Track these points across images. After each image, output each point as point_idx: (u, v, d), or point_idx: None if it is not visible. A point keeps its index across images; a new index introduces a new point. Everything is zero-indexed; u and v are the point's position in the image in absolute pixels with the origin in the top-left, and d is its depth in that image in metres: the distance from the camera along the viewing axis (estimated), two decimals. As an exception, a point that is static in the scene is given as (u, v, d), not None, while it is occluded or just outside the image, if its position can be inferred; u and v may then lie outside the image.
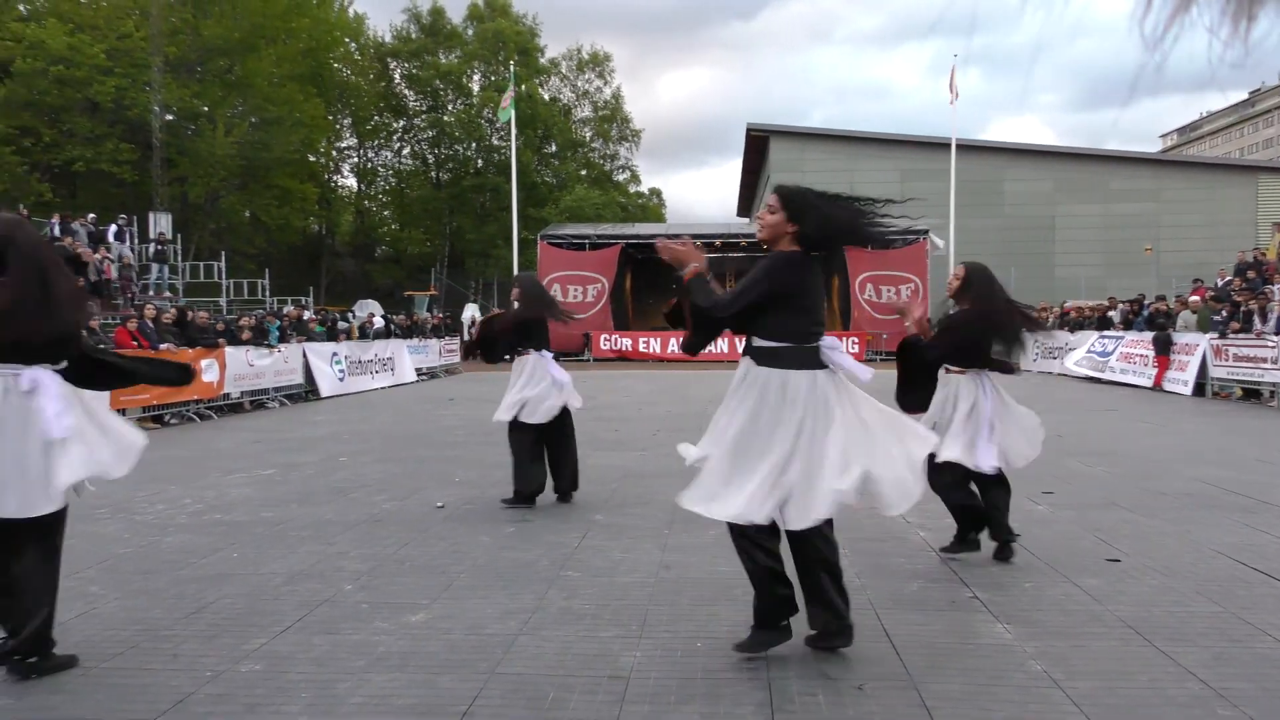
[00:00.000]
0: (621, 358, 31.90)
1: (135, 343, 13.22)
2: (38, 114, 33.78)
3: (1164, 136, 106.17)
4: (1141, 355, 18.37)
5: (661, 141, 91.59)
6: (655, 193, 61.20)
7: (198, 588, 4.87)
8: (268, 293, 29.68)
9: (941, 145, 38.06)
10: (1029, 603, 4.46)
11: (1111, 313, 21.85)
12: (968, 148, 38.74)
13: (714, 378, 22.02)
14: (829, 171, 42.79)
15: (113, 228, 25.64)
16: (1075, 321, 23.51)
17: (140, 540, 5.99)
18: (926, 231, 32.98)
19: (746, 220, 52.64)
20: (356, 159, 54.05)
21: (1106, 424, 12.23)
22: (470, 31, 51.77)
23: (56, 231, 23.20)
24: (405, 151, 54.58)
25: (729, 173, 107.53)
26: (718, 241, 34.59)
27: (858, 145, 43.69)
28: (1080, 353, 21.14)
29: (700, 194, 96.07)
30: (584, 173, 55.18)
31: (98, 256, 22.50)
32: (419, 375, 23.58)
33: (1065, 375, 21.77)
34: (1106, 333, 20.70)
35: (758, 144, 46.66)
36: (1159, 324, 18.10)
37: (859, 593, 4.65)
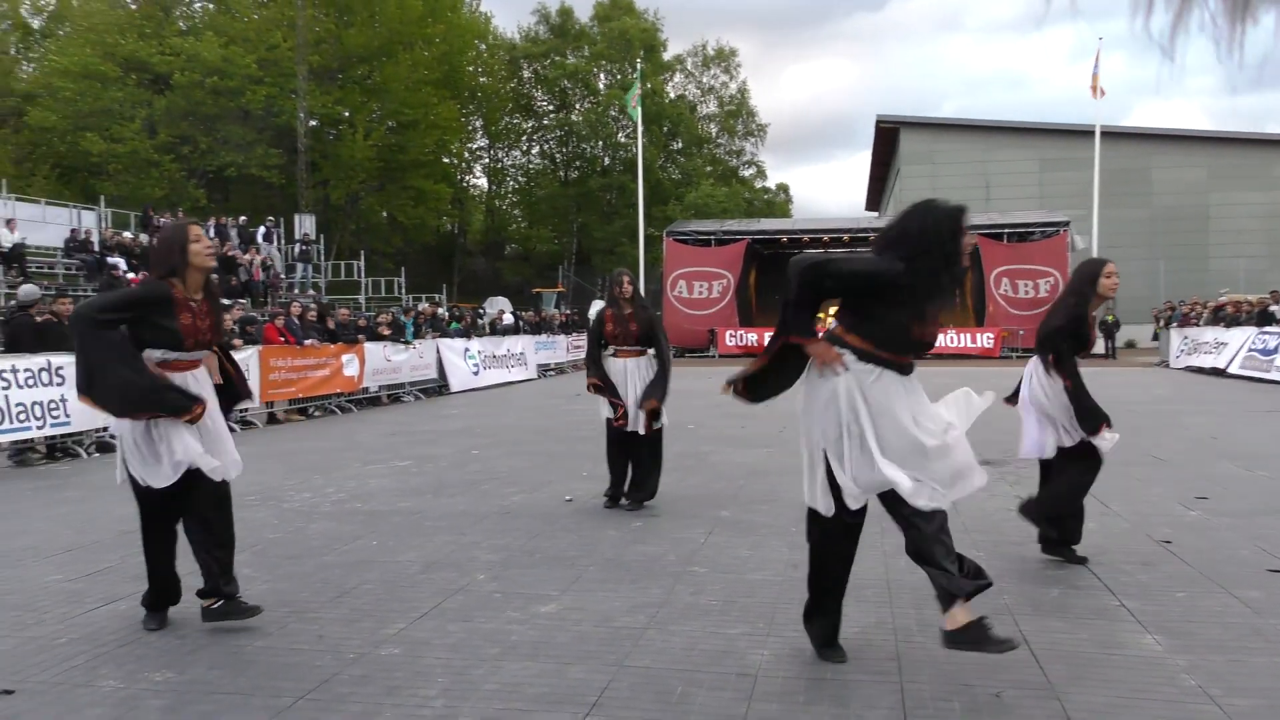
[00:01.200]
0: (747, 353, 31.70)
1: (282, 338, 13.88)
2: (195, 123, 35.84)
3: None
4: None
5: (788, 136, 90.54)
6: (782, 188, 60.58)
7: (340, 573, 5.08)
8: (403, 290, 30.75)
9: (1084, 133, 36.37)
10: (1181, 614, 4.23)
11: (1273, 307, 20.47)
12: (1112, 135, 36.88)
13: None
14: (962, 163, 41.51)
15: (261, 229, 27.05)
16: (1231, 317, 22.12)
17: (288, 526, 6.29)
18: (1067, 223, 31.62)
19: (875, 215, 51.64)
20: (487, 159, 55.37)
21: (1267, 427, 11.47)
22: (597, 30, 52.33)
23: (211, 234, 24.57)
24: (534, 151, 55.59)
25: (856, 166, 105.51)
26: (845, 237, 33.99)
27: (993, 135, 42.14)
28: (1237, 352, 19.85)
29: (827, 188, 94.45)
30: (709, 169, 55.06)
31: (248, 257, 23.75)
32: (547, 371, 24.01)
33: (1216, 372, 20.51)
34: (1268, 329, 19.39)
35: (887, 136, 45.64)
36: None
37: (996, 596, 4.50)
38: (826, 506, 3.55)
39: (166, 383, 3.95)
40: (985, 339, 29.86)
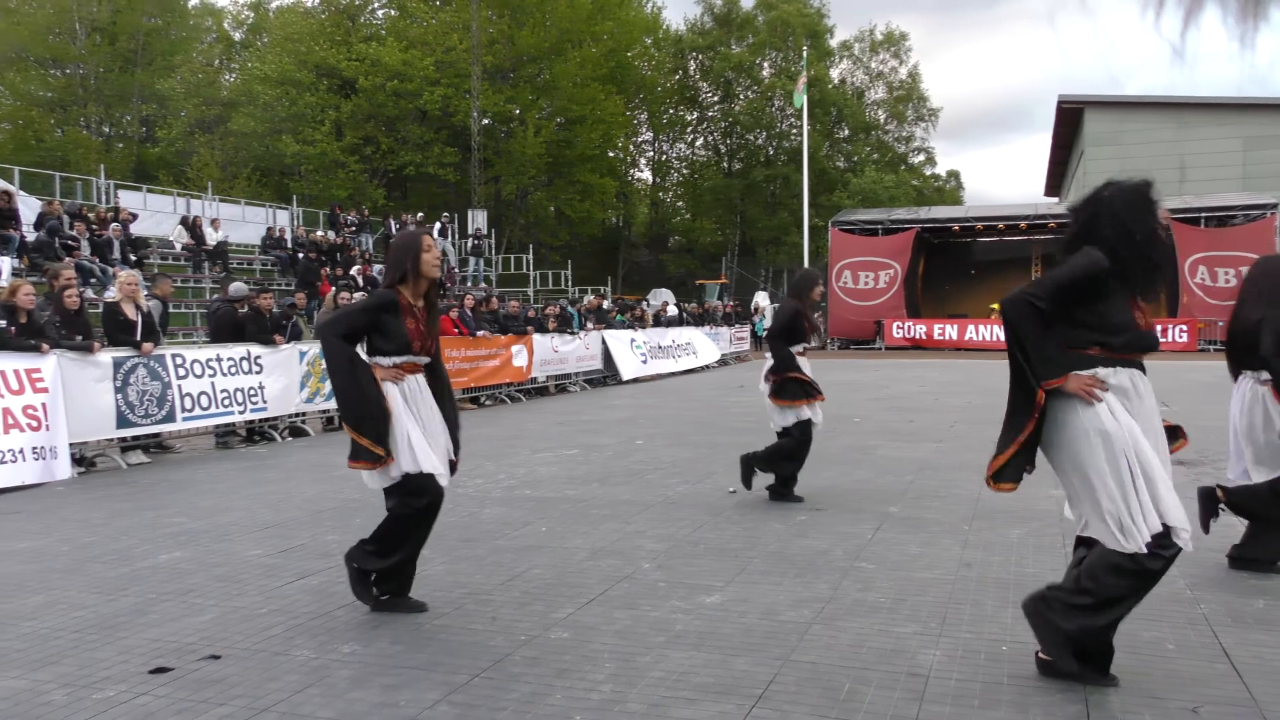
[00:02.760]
0: (916, 346, 30.85)
1: (456, 330, 14.45)
2: (377, 124, 37.79)
3: None
4: None
5: (960, 120, 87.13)
6: (953, 175, 58.44)
7: (512, 557, 5.25)
8: (570, 283, 31.47)
9: (1295, 106, 33.43)
10: None
11: None
12: (1330, 107, 33.72)
13: (1005, 370, 20.73)
14: (1154, 144, 38.84)
15: (437, 225, 28.22)
16: None
17: (462, 511, 6.54)
18: (1275, 206, 29.15)
19: (1055, 200, 49.06)
20: (652, 152, 55.88)
21: None
22: (761, 19, 51.87)
23: (393, 230, 25.84)
24: (698, 143, 55.70)
25: (1033, 150, 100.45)
26: (1023, 224, 32.50)
27: (1189, 112, 39.18)
28: None
29: (1002, 174, 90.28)
30: (875, 157, 53.71)
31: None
32: (710, 362, 24.05)
33: None
34: None
35: (1070, 117, 43.23)
36: None
37: (1192, 606, 4.21)
38: (1141, 542, 3.13)
39: (375, 412, 4.09)
40: (1179, 332, 27.92)
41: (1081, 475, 3.21)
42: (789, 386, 6.57)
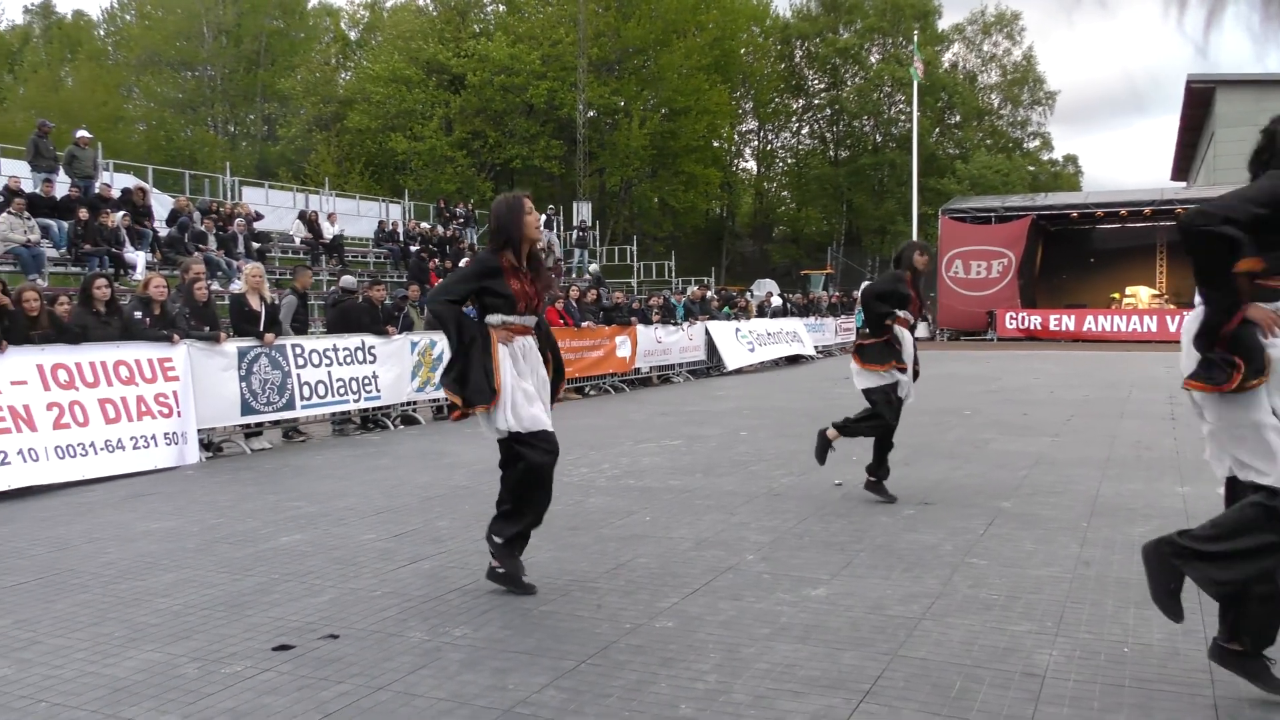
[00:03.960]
0: (1030, 337, 29.86)
1: (562, 320, 14.64)
2: (485, 119, 38.50)
3: None
4: None
5: (1078, 104, 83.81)
6: (1070, 159, 56.28)
7: (617, 546, 5.30)
8: (673, 273, 31.50)
9: None
10: None
11: None
12: None
13: (1137, 359, 19.88)
14: (1293, 123, 36.57)
15: (543, 217, 28.57)
16: None
17: (568, 499, 6.62)
18: None
19: (1183, 185, 46.84)
20: (756, 142, 55.45)
21: None
22: (869, 3, 50.88)
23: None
24: (804, 131, 55.04)
25: (1159, 133, 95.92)
26: (1147, 210, 31.09)
27: (1332, 89, 36.84)
28: None
29: (1123, 159, 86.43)
30: (989, 142, 52.13)
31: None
32: (816, 353, 23.78)
33: None
34: None
35: (1200, 98, 41.07)
36: None
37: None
38: None
39: (477, 378, 4.25)
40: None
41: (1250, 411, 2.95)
42: (874, 350, 6.26)
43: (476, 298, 4.37)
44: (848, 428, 6.37)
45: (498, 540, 4.46)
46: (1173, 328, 28.17)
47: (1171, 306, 30.36)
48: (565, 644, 3.74)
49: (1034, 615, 3.99)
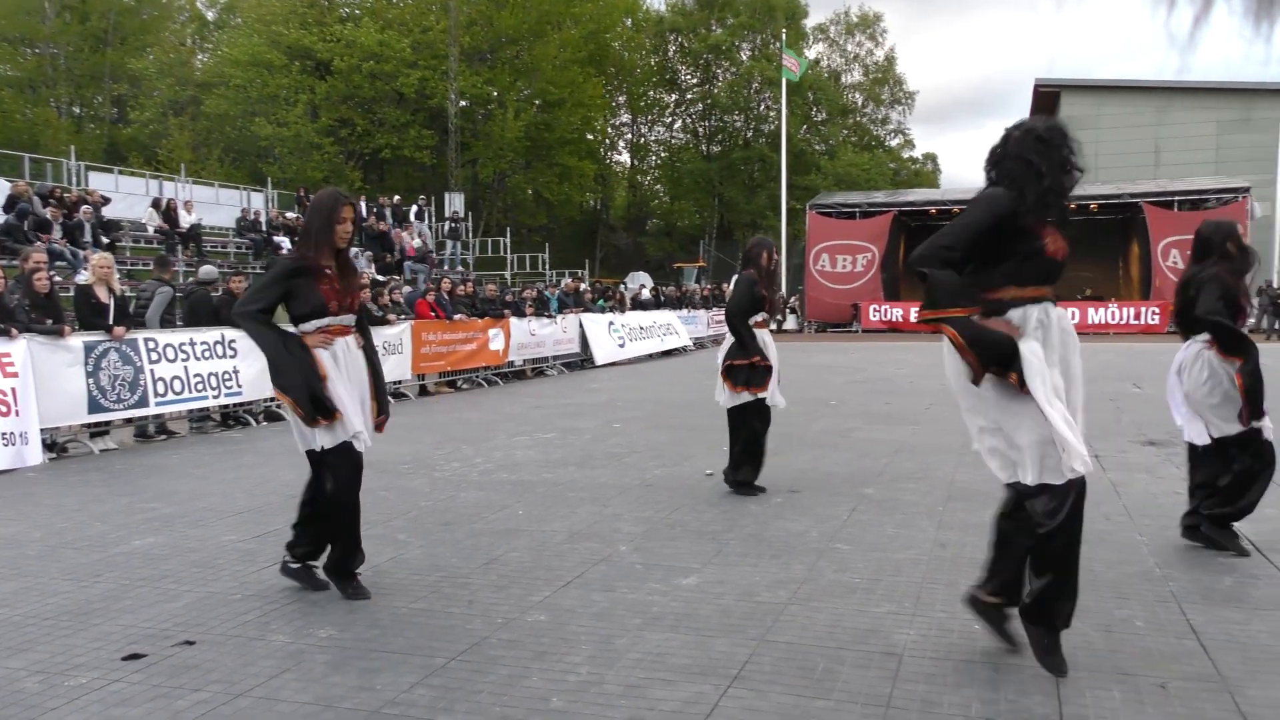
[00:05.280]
0: (893, 329, 30.96)
1: (433, 313, 14.39)
2: (353, 106, 37.41)
3: None
4: None
5: (936, 104, 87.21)
6: (930, 157, 58.59)
7: (489, 541, 5.25)
8: (548, 266, 31.37)
9: (1268, 92, 33.74)
10: (1374, 609, 3.90)
11: None
12: (1300, 92, 34.05)
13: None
14: (1130, 128, 39.11)
15: (414, 208, 28.04)
16: None
17: (440, 494, 6.53)
18: (1247, 189, 29.44)
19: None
20: (630, 135, 55.70)
21: None
22: (741, 1, 51.71)
23: (364, 213, 25.66)
24: (677, 125, 55.59)
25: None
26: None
27: (1165, 96, 39.47)
28: None
29: (978, 157, 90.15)
30: (854, 140, 53.80)
31: (406, 235, 24.71)
32: (691, 345, 24.07)
33: None
34: None
35: (1046, 101, 43.38)
36: None
37: (1159, 583, 4.27)
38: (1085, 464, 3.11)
39: (310, 383, 4.10)
40: (1151, 314, 28.23)
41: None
42: (743, 371, 6.32)
43: (286, 303, 4.21)
44: (735, 464, 6.46)
45: (289, 558, 4.42)
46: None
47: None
48: (436, 641, 3.69)
49: (894, 597, 4.15)
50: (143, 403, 9.28)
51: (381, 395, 4.42)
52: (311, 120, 36.53)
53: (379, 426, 4.41)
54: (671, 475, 7.16)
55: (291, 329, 4.23)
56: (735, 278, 6.52)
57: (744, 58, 52.36)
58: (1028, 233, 3.18)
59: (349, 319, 4.29)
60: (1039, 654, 3.27)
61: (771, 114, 49.69)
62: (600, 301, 21.67)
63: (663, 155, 55.87)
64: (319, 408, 4.08)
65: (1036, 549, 3.22)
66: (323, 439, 4.15)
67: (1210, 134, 38.22)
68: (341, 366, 4.21)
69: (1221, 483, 4.74)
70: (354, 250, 21.85)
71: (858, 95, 55.83)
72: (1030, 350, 3.13)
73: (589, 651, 3.56)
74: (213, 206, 23.52)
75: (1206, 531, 4.81)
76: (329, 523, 4.28)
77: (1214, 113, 38.32)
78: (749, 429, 6.43)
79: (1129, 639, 3.61)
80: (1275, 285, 28.48)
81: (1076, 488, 3.12)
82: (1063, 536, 3.14)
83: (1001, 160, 3.27)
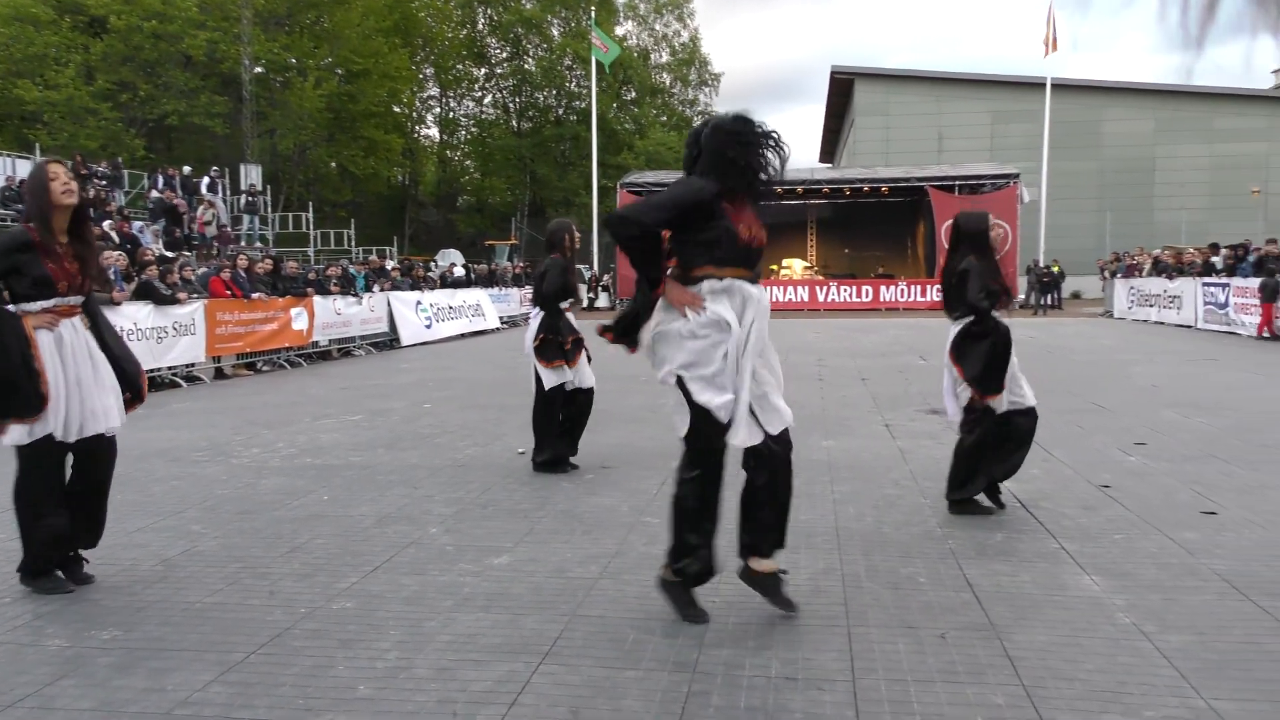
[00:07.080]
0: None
1: (229, 292, 13.64)
2: (134, 69, 34.68)
3: (1276, 72, 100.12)
4: (1246, 303, 17.60)
5: (741, 86, 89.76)
6: (736, 139, 60.21)
7: (293, 528, 5.05)
8: (354, 243, 30.29)
9: (1035, 85, 36.67)
10: (1120, 555, 4.35)
11: (1214, 259, 20.89)
12: (1064, 87, 37.19)
13: (791, 326, 21.83)
14: (917, 115, 41.62)
15: (206, 180, 26.37)
16: (1174, 268, 22.56)
17: (238, 482, 6.22)
18: (1017, 176, 31.95)
19: (829, 166, 51.62)
20: (439, 109, 54.45)
21: (1205, 374, 11.78)
22: (551, -25, 51.39)
23: (159, 185, 23.95)
24: (487, 100, 54.77)
25: (811, 117, 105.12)
26: (799, 189, 34.00)
27: (946, 87, 42.30)
28: (1193, 308, 20.03)
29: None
30: (663, 119, 54.65)
31: (200, 209, 23.22)
32: (500, 324, 23.88)
33: (1162, 324, 21.06)
34: (1207, 280, 19.80)
35: (842, 87, 45.54)
36: (1269, 269, 17.22)
37: (940, 542, 4.60)
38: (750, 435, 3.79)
39: (17, 381, 3.81)
40: (936, 291, 30.08)
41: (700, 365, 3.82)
42: (550, 347, 6.38)
43: (5, 282, 3.87)
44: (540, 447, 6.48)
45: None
46: (822, 297, 31.17)
47: (820, 278, 33.54)
48: (233, 636, 3.52)
49: (701, 566, 4.27)
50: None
51: (129, 376, 4.14)
52: (86, 83, 33.65)
53: (128, 406, 4.14)
54: (484, 455, 7.11)
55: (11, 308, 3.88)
56: (545, 262, 6.52)
57: (555, 34, 52.13)
58: (725, 217, 3.47)
59: (77, 299, 4.00)
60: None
61: (583, 91, 49.75)
62: (401, 279, 21.02)
63: (473, 130, 54.94)
64: (14, 405, 3.80)
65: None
66: (16, 435, 3.85)
67: (985, 123, 41.19)
68: (66, 352, 3.91)
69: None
70: (138, 225, 20.39)
71: (666, 75, 56.70)
72: (722, 314, 3.47)
73: (398, 637, 3.50)
74: (-30, 174, 21.34)
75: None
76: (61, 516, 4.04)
77: (989, 103, 41.33)
78: (565, 412, 6.47)
79: (913, 594, 3.87)
80: (1042, 264, 31.08)
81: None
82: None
83: (699, 157, 3.55)
